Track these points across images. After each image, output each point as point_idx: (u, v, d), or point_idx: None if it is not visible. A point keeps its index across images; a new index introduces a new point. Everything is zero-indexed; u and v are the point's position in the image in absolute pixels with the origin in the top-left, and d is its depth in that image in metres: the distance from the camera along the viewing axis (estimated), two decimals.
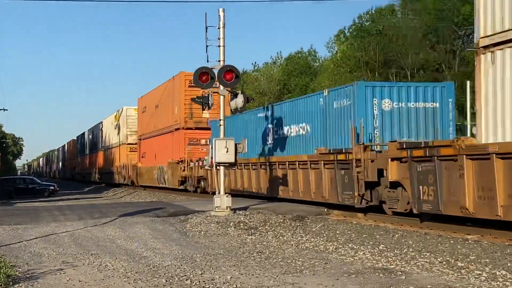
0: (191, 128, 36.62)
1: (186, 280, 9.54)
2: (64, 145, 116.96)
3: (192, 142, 36.53)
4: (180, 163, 36.02)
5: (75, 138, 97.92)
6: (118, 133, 55.40)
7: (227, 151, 19.00)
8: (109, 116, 62.19)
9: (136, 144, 51.30)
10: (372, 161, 17.57)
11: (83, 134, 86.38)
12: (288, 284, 9.22)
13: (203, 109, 21.27)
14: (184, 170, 35.33)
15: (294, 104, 23.73)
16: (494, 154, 12.74)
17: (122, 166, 53.57)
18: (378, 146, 18.55)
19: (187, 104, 35.71)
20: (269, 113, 25.66)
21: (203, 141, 35.64)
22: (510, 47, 13.36)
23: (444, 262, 10.98)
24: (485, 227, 14.27)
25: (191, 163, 34.76)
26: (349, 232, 15.43)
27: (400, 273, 10.09)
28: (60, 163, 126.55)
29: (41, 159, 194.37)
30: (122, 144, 53.50)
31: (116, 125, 56.43)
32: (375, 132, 19.18)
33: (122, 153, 53.94)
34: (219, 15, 19.85)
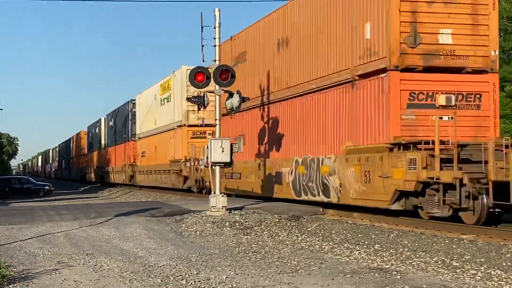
0: (410, 69, 16.69)
1: (182, 280, 9.54)
2: (69, 139, 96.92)
3: (419, 102, 16.73)
4: (408, 148, 15.98)
5: (85, 130, 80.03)
6: (170, 110, 37.31)
7: (222, 151, 19.00)
8: (148, 88, 43.71)
9: (203, 125, 34.13)
10: None
11: (98, 122, 66.98)
12: (283, 284, 9.23)
13: (199, 109, 21.24)
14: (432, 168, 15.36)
15: None
16: None
17: (182, 162, 34.62)
18: None
19: (406, 13, 16.60)
20: None
21: (442, 99, 16.71)
22: None
23: (440, 262, 11.00)
24: (481, 227, 14.30)
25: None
26: (344, 231, 15.44)
27: (396, 272, 10.11)
28: (63, 161, 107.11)
29: (38, 158, 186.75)
30: (179, 126, 35.54)
31: (166, 98, 38.59)
32: None
33: (178, 140, 35.89)
34: (214, 15, 19.87)
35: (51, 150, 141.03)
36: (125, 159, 51.07)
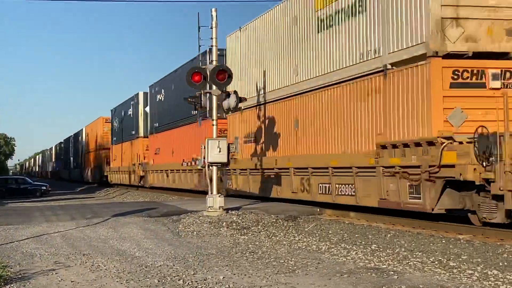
0: None
1: (179, 280, 9.53)
2: (79, 131, 77.30)
3: None
4: None
5: (106, 116, 60.73)
6: (366, 31, 17.63)
7: (219, 151, 19.02)
8: (261, 14, 24.58)
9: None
10: None
11: (132, 100, 47.32)
12: (280, 284, 9.23)
13: (195, 109, 21.24)
14: None
15: None
16: None
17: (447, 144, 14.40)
18: None
19: None
20: None
21: None
22: None
23: (436, 262, 11.01)
24: (477, 227, 14.31)
25: None
26: (341, 231, 15.45)
27: (393, 272, 10.11)
28: (70, 159, 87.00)
29: (38, 157, 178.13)
30: (417, 59, 15.49)
31: (341, 11, 19.00)
32: None
33: (412, 92, 15.67)
34: (211, 15, 19.88)
35: (53, 147, 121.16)
36: (196, 149, 29.22)
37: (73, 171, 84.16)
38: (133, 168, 47.41)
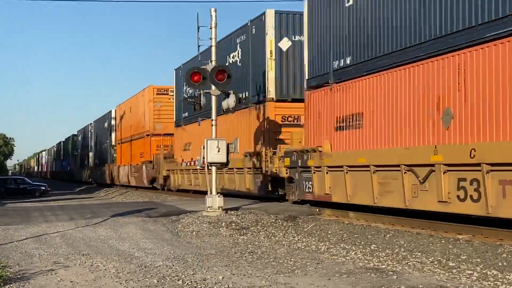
0: None
1: (178, 280, 9.53)
2: (105, 116, 57.36)
3: None
4: None
5: (160, 86, 40.78)
6: None
7: (218, 151, 19.02)
8: None
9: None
10: None
11: (245, 33, 25.38)
12: (280, 284, 9.23)
13: (194, 109, 21.23)
14: None
15: None
16: None
17: None
18: None
19: None
20: None
21: None
22: None
23: (436, 262, 11.01)
24: (477, 227, 14.31)
25: None
26: (340, 232, 15.44)
27: (392, 273, 10.11)
28: (89, 155, 67.12)
29: (41, 155, 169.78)
30: None
31: None
32: None
33: None
34: (210, 15, 19.88)
35: (61, 143, 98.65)
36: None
37: (95, 170, 62.71)
38: (253, 161, 24.42)
